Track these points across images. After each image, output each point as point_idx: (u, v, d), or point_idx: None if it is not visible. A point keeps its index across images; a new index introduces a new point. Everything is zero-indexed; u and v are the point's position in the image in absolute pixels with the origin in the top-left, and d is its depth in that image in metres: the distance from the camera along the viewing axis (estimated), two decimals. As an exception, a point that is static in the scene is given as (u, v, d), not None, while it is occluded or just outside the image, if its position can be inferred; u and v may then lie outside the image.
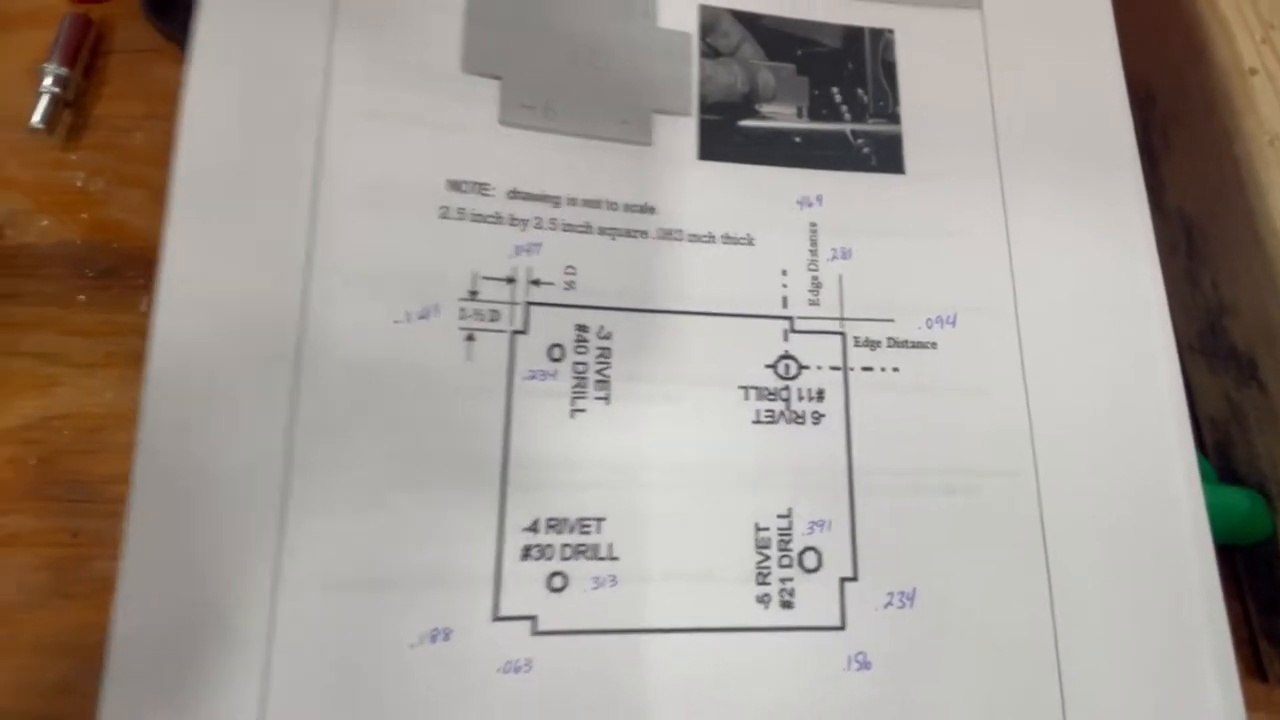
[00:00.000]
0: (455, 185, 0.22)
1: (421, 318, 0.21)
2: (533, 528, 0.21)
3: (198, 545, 0.19)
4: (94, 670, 0.24)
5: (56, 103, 0.30)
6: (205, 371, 0.20)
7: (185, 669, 0.19)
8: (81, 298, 0.29)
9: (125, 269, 0.29)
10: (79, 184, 0.30)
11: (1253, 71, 0.28)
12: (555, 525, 0.21)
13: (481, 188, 0.22)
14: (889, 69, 0.26)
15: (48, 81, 0.30)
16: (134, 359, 0.28)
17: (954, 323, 0.24)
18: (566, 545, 0.21)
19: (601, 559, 0.21)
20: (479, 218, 0.22)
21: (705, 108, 0.25)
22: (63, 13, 0.31)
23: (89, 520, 0.26)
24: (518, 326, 0.22)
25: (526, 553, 0.21)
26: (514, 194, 0.23)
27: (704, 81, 0.25)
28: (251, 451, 0.20)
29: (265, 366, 0.20)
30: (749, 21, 0.26)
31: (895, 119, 0.25)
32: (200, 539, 0.19)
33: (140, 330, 0.28)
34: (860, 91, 0.26)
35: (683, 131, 0.24)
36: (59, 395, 0.27)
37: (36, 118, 0.29)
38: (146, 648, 0.19)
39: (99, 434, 0.27)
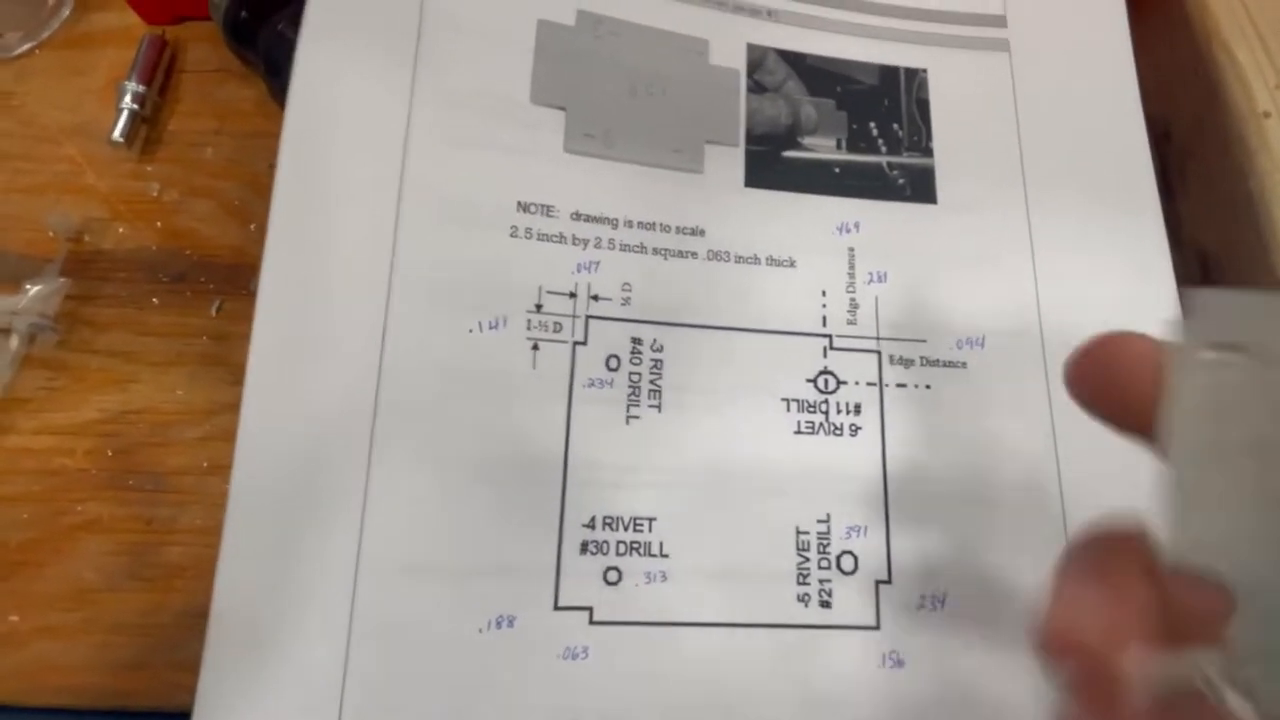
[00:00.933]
0: (524, 207, 0.24)
1: (492, 328, 0.23)
2: (590, 524, 0.22)
3: (287, 530, 0.21)
4: (165, 649, 0.26)
5: (135, 118, 0.32)
6: (298, 370, 0.22)
7: (273, 646, 0.20)
8: (155, 300, 0.30)
9: (196, 274, 0.31)
10: (154, 194, 0.32)
11: (1266, 115, 0.29)
12: (610, 523, 0.22)
13: (547, 209, 0.24)
14: (922, 106, 0.28)
15: (127, 99, 0.31)
16: (204, 359, 0.30)
17: (983, 344, 0.25)
18: (620, 542, 0.22)
19: (653, 555, 0.22)
20: (544, 237, 0.24)
21: (752, 139, 0.27)
22: (140, 34, 0.33)
23: (161, 509, 0.27)
24: (578, 338, 0.23)
25: (584, 548, 0.22)
26: (576, 216, 0.24)
27: (751, 115, 0.27)
28: (336, 442, 0.21)
29: (351, 366, 0.22)
30: (793, 60, 0.27)
31: (928, 152, 0.27)
32: (289, 524, 0.21)
33: (210, 332, 0.30)
34: (895, 126, 0.27)
35: (731, 161, 0.26)
36: (135, 391, 0.29)
37: (117, 132, 0.31)
38: (240, 627, 0.20)
39: (170, 428, 0.28)
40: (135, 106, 0.32)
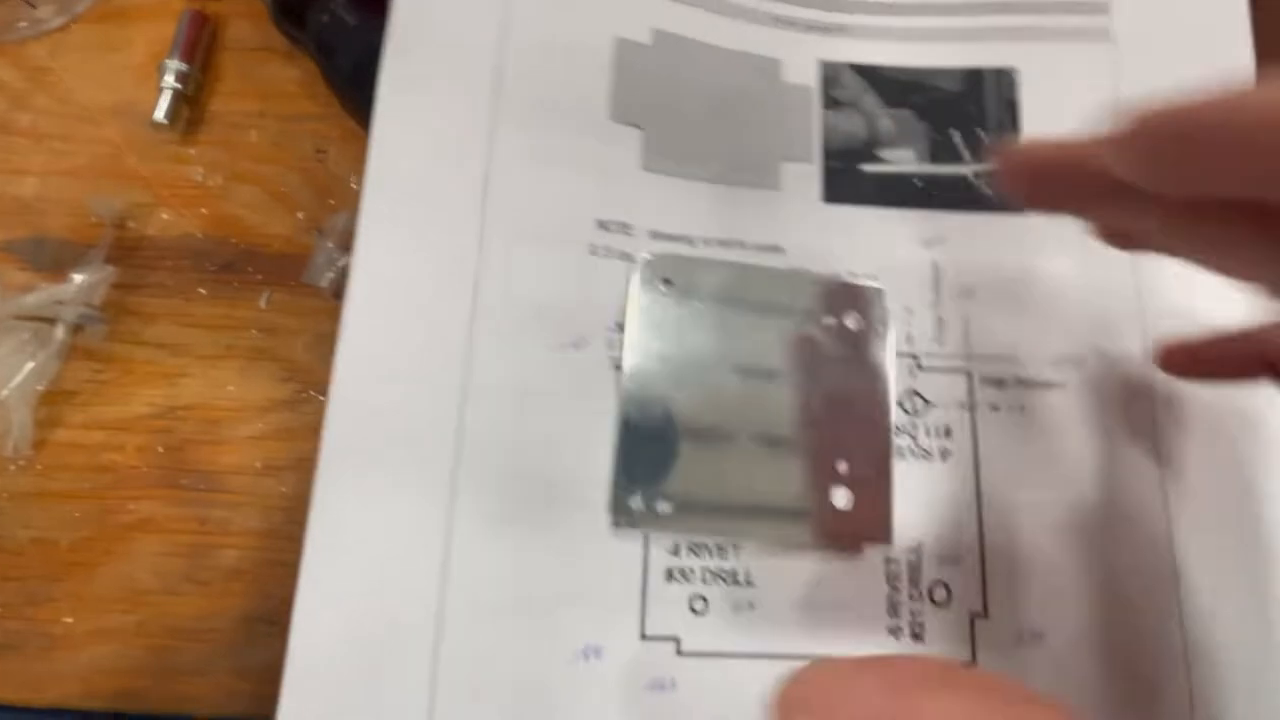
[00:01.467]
0: (603, 225, 0.24)
1: (574, 347, 0.22)
2: (675, 551, 0.22)
3: (369, 570, 0.20)
4: (224, 655, 0.26)
5: (178, 98, 0.30)
6: (381, 394, 0.21)
7: (357, 688, 0.20)
8: (202, 291, 0.29)
9: (244, 264, 0.30)
10: (198, 179, 0.31)
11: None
12: (695, 550, 0.22)
13: (625, 228, 0.23)
14: (1011, 108, 0.26)
15: (169, 78, 0.30)
16: (254, 353, 0.29)
17: (1083, 363, 0.24)
18: (706, 569, 0.22)
19: (739, 584, 0.22)
20: (625, 255, 0.23)
21: (829, 154, 0.26)
22: (177, 8, 0.32)
23: (215, 509, 0.27)
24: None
25: (670, 575, 0.22)
26: (655, 234, 0.24)
27: (827, 130, 0.26)
28: (417, 469, 0.21)
29: (435, 384, 0.21)
30: (868, 73, 0.27)
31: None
32: (371, 562, 0.21)
33: (260, 325, 0.29)
34: (981, 132, 0.26)
35: (808, 177, 0.26)
36: (184, 386, 0.28)
37: (160, 113, 0.30)
38: (319, 673, 0.20)
39: (222, 425, 0.28)
40: (179, 86, 0.30)
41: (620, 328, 0.23)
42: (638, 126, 0.25)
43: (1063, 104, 0.26)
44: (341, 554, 0.20)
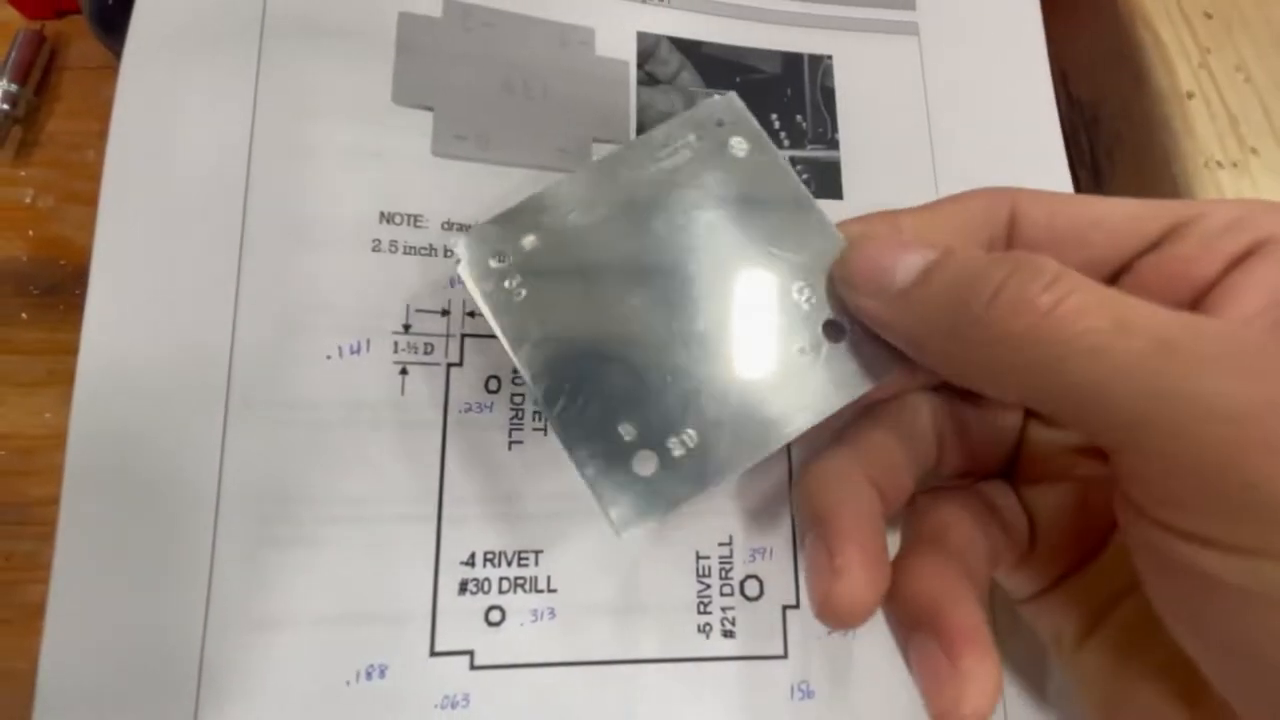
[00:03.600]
0: (387, 217, 0.22)
1: (353, 353, 0.21)
2: (469, 562, 0.21)
3: (126, 580, 0.19)
4: (25, 696, 0.24)
5: (6, 120, 0.30)
6: (133, 414, 0.20)
7: (114, 707, 0.18)
8: (24, 315, 0.28)
9: (71, 286, 0.29)
10: (27, 201, 0.30)
11: (1190, 95, 0.28)
12: (492, 558, 0.21)
13: (415, 219, 0.22)
14: (828, 95, 0.26)
15: (-2, 99, 0.29)
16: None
17: None
18: (504, 579, 0.21)
19: (539, 591, 0.21)
20: (412, 250, 0.22)
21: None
22: (15, 28, 0.31)
23: (22, 543, 0.25)
24: (453, 359, 0.21)
25: (463, 587, 0.20)
26: (449, 225, 0.22)
27: (642, 109, 0.25)
28: (181, 489, 0.19)
29: (195, 406, 0.20)
30: (687, 49, 0.26)
31: (834, 145, 0.26)
32: (129, 573, 0.19)
33: (82, 351, 0.28)
34: (799, 118, 0.26)
35: (622, 159, 0.24)
36: (-1, 415, 0.27)
37: (-14, 135, 0.29)
38: (74, 685, 0.18)
39: (36, 455, 0.26)
40: (6, 107, 0.30)
41: (407, 329, 0.22)
42: (427, 108, 0.23)
43: (875, 93, 0.26)
44: (97, 580, 0.19)
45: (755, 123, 0.20)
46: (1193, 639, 0.14)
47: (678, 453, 0.17)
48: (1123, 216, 0.18)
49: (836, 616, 0.16)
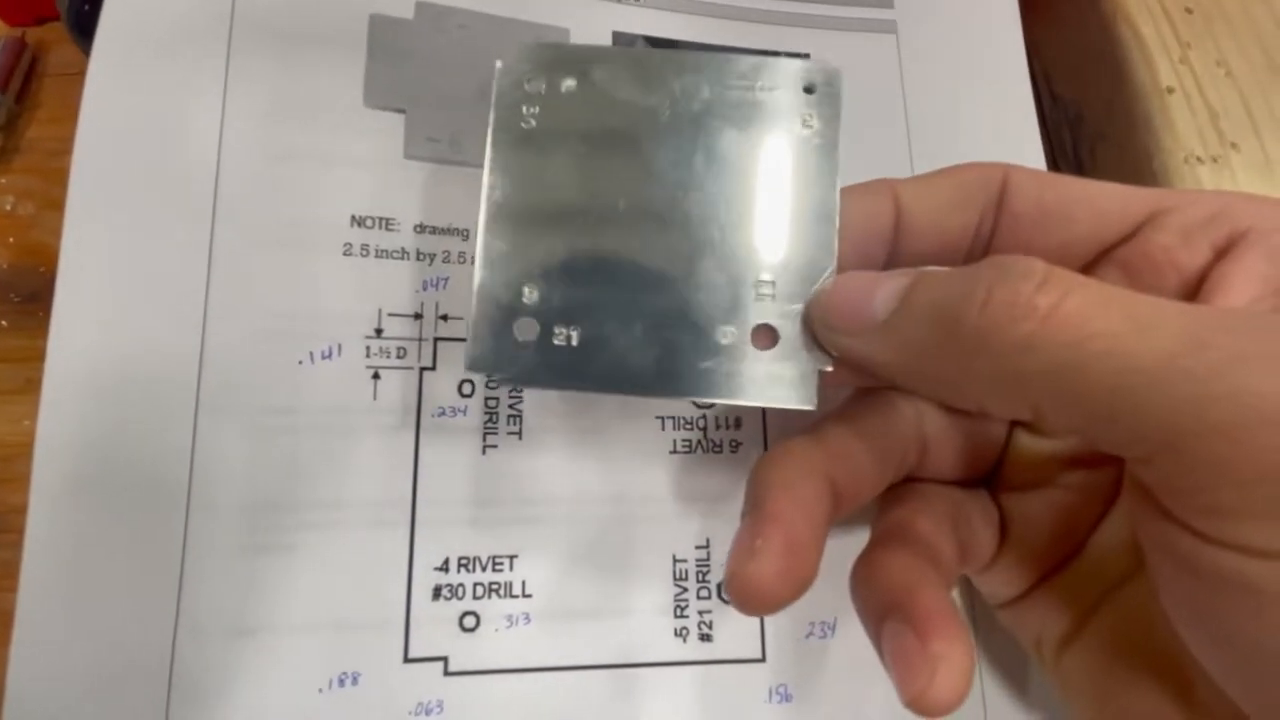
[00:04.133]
0: (359, 221, 0.22)
1: (325, 358, 0.21)
2: (443, 567, 0.20)
3: (95, 589, 0.19)
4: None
5: (-14, 126, 0.30)
6: (101, 420, 0.20)
7: (84, 715, 0.18)
8: (4, 323, 0.28)
9: (51, 293, 0.28)
10: (7, 208, 0.30)
11: (1170, 90, 0.28)
12: (466, 564, 0.20)
13: (386, 223, 0.22)
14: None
15: (-24, 106, 0.29)
16: (54, 389, 0.27)
17: None
18: (479, 584, 0.20)
19: (514, 596, 0.20)
20: (384, 254, 0.22)
21: (620, 135, 0.25)
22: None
23: (1, 551, 0.25)
24: (426, 363, 0.21)
25: (437, 593, 0.20)
26: (420, 228, 0.22)
27: (620, 108, 0.25)
28: (151, 495, 0.19)
29: (164, 412, 0.20)
30: (664, 48, 0.25)
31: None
32: (97, 581, 0.19)
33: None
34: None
35: (598, 159, 0.24)
36: (-24, 422, 0.27)
37: (-36, 143, 0.29)
38: (43, 694, 0.18)
39: (14, 462, 0.26)
40: (-14, 114, 0.30)
41: (379, 333, 0.21)
42: (399, 111, 0.23)
43: (853, 91, 0.26)
44: (65, 589, 0.19)
45: (840, 112, 0.18)
46: (1216, 648, 0.14)
47: (557, 341, 0.17)
48: (1107, 197, 0.18)
49: (741, 597, 0.15)
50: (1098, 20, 0.30)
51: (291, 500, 0.20)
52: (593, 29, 0.25)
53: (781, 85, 0.18)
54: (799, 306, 0.17)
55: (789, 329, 0.17)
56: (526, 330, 0.17)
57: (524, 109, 0.18)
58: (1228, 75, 0.28)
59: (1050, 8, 0.32)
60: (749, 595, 0.15)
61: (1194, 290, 0.17)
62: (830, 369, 0.17)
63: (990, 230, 0.18)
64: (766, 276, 0.18)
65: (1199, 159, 0.27)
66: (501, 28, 0.24)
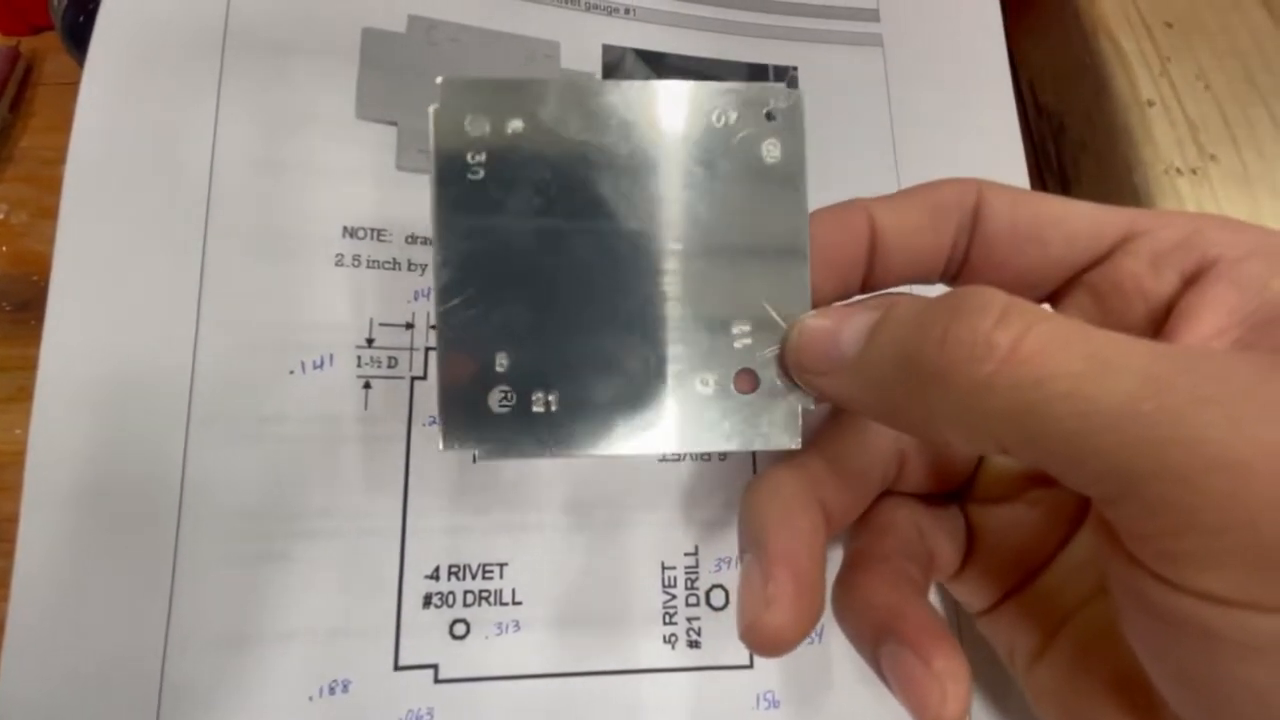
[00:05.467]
0: (350, 232, 0.22)
1: (316, 368, 0.21)
2: (434, 575, 0.21)
3: (86, 597, 0.19)
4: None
5: (-21, 136, 0.30)
6: (92, 430, 0.20)
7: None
8: (-4, 331, 0.28)
9: (44, 302, 0.28)
10: (0, 216, 0.30)
11: (1150, 103, 0.28)
12: (457, 572, 0.21)
13: (378, 234, 0.22)
14: (794, 106, 0.26)
15: (-30, 116, 0.30)
16: (46, 397, 0.27)
17: None
18: (469, 592, 0.21)
19: (504, 604, 0.21)
20: (376, 264, 0.22)
21: (608, 146, 0.25)
22: (-4, 45, 0.31)
23: (-6, 560, 0.25)
24: (417, 373, 0.22)
25: (428, 601, 0.20)
26: (412, 239, 0.22)
27: (609, 121, 0.25)
28: (142, 505, 0.19)
29: (156, 422, 0.20)
30: (653, 60, 0.26)
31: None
32: (88, 590, 0.19)
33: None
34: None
35: (587, 170, 0.24)
36: (-30, 431, 0.27)
37: (-43, 152, 0.29)
38: (34, 703, 0.18)
39: (5, 472, 0.26)
40: (-20, 123, 0.30)
41: (370, 343, 0.21)
42: (391, 123, 0.23)
43: (840, 103, 0.26)
44: (56, 598, 0.19)
45: (804, 139, 0.17)
46: (1175, 683, 0.14)
47: (536, 409, 0.16)
48: (1079, 219, 0.18)
49: (761, 645, 0.15)
50: (1079, 33, 0.31)
51: (283, 509, 0.20)
52: (583, 42, 0.25)
53: (741, 112, 0.17)
54: (775, 349, 0.17)
55: (768, 372, 0.17)
56: (500, 402, 0.16)
57: (469, 156, 0.16)
58: (1207, 89, 0.29)
59: (1034, 20, 0.32)
60: (770, 645, 0.15)
61: (1162, 318, 0.17)
62: (813, 407, 0.17)
63: (965, 250, 0.18)
64: (742, 321, 0.17)
65: (1178, 171, 0.27)
66: (493, 41, 0.25)
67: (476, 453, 0.16)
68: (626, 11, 0.26)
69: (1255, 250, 0.16)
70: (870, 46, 0.27)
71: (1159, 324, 0.17)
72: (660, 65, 0.26)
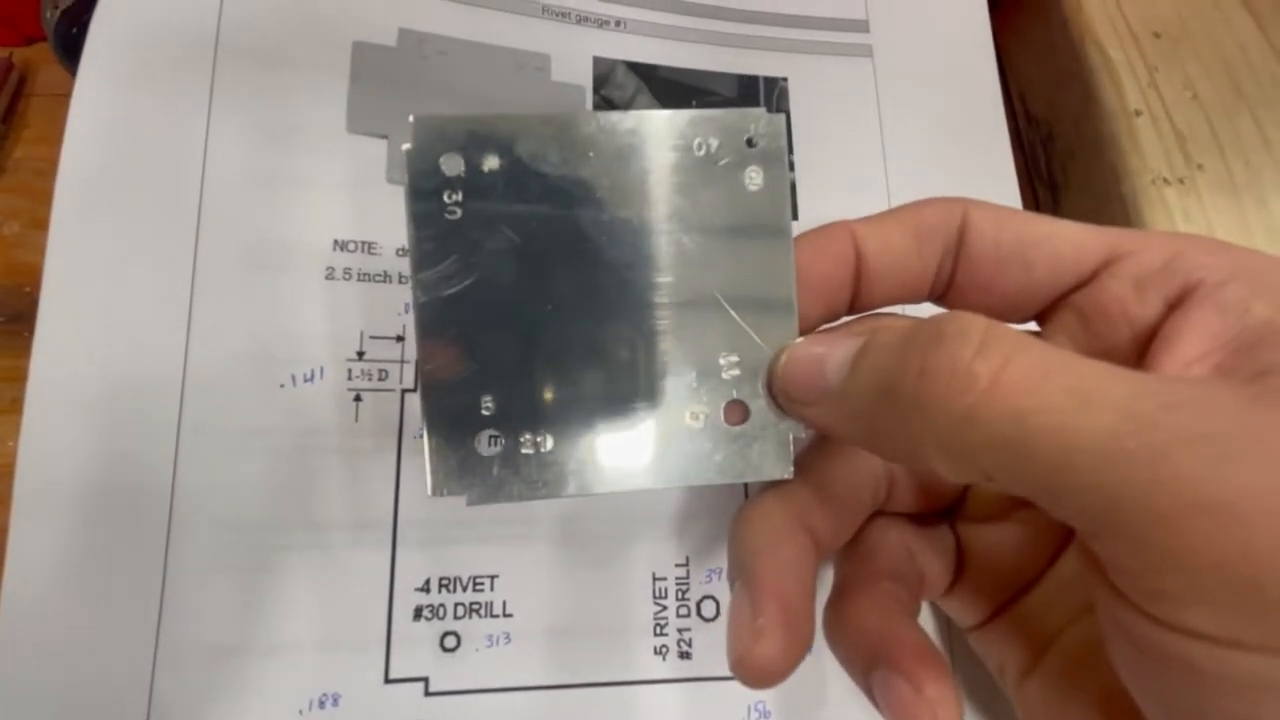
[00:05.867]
0: (341, 245, 0.22)
1: (307, 381, 0.21)
2: (424, 587, 0.21)
3: (76, 608, 0.19)
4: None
5: (-29, 148, 0.29)
6: (82, 441, 0.20)
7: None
8: (-12, 342, 0.28)
9: (36, 314, 0.29)
10: (-8, 228, 0.30)
11: (1138, 113, 0.28)
12: (448, 584, 0.21)
13: (369, 247, 0.22)
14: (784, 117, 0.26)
15: (-39, 127, 0.29)
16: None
17: None
18: (459, 604, 0.21)
19: (495, 616, 0.21)
20: (366, 277, 0.22)
21: (601, 158, 0.25)
22: (-15, 57, 0.31)
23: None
24: (407, 385, 0.22)
25: (418, 613, 0.20)
26: (403, 252, 0.22)
27: (599, 133, 0.25)
28: (132, 517, 0.19)
29: (146, 434, 0.20)
30: (644, 72, 0.26)
31: (790, 167, 0.26)
32: (77, 602, 0.19)
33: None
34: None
35: (579, 183, 0.24)
36: (-40, 443, 0.27)
37: (-50, 165, 0.29)
38: (22, 714, 0.18)
39: (1, 482, 0.26)
40: (-27, 135, 0.29)
41: (361, 356, 0.22)
42: (382, 136, 0.23)
43: (830, 114, 0.26)
44: (45, 610, 0.19)
45: (786, 166, 0.17)
46: (1161, 712, 0.14)
47: (525, 450, 0.16)
48: (1063, 240, 0.18)
49: (752, 677, 0.15)
50: (1067, 42, 0.31)
51: (273, 521, 0.20)
52: (573, 55, 0.25)
53: (722, 140, 0.17)
54: (764, 379, 0.17)
55: (758, 403, 0.17)
56: (488, 446, 0.16)
57: (446, 196, 0.16)
58: (1194, 98, 0.29)
59: (1023, 29, 0.32)
60: (762, 677, 0.15)
61: (1146, 342, 0.17)
62: (804, 435, 0.17)
63: (950, 273, 0.18)
64: (729, 352, 0.17)
65: (1166, 180, 0.27)
66: (483, 54, 0.25)
67: (467, 498, 0.16)
68: (617, 24, 0.26)
69: (1236, 273, 0.16)
70: (860, 57, 0.27)
71: (1144, 347, 0.17)
72: (651, 77, 0.26)
